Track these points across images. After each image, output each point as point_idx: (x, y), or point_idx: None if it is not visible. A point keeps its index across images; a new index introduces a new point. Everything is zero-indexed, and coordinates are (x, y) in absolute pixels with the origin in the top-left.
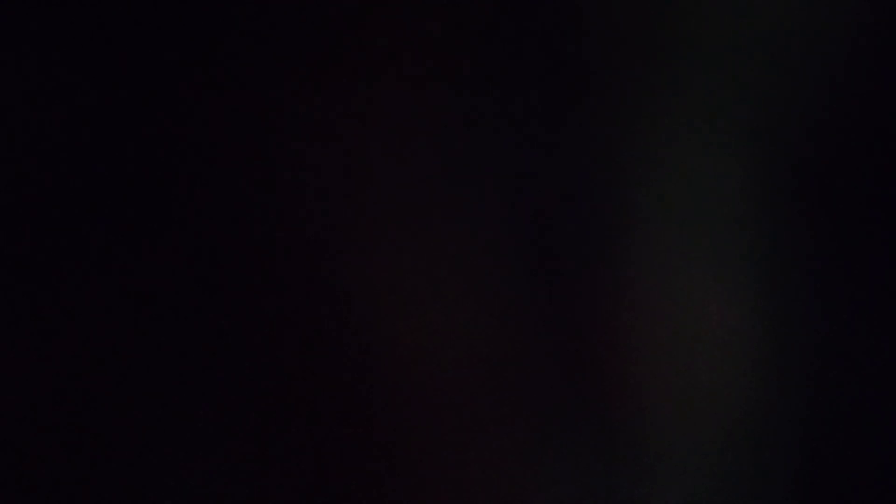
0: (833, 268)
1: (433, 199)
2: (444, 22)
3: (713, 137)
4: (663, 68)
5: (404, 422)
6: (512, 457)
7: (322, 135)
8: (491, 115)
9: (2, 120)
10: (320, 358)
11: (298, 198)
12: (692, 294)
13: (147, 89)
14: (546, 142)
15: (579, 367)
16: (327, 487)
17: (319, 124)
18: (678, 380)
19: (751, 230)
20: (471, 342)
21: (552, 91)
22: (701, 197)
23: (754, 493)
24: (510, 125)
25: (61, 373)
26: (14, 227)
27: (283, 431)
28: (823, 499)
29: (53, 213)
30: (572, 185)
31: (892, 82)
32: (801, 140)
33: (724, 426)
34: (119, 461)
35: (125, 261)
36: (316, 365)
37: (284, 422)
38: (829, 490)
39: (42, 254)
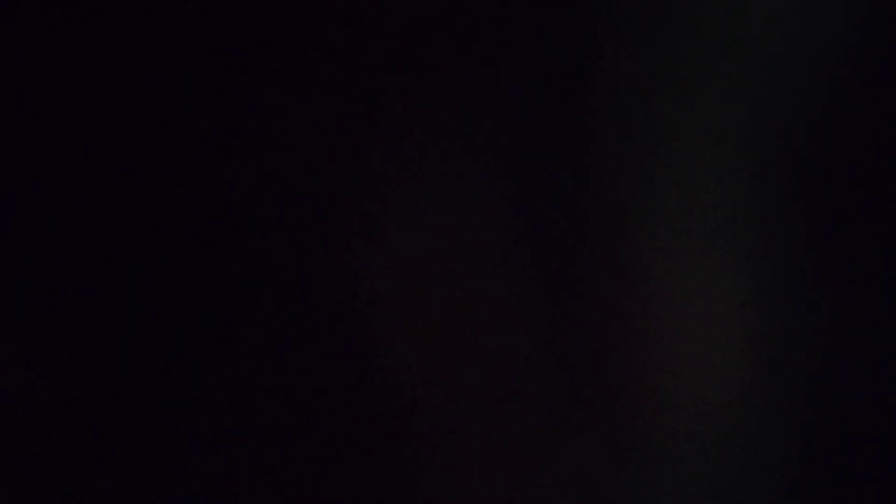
0: (834, 268)
1: (433, 198)
2: (444, 20)
3: (713, 137)
4: (663, 68)
5: (404, 422)
6: (511, 457)
7: (321, 134)
8: (491, 114)
9: (2, 120)
10: (319, 358)
11: (297, 197)
12: (693, 294)
13: (146, 89)
14: (546, 141)
15: (579, 367)
16: (327, 487)
17: (318, 123)
18: (679, 380)
19: (751, 230)
20: (471, 342)
21: (552, 90)
22: (701, 197)
23: (754, 493)
24: (510, 124)
25: (61, 372)
26: (13, 227)
27: (282, 431)
28: (823, 499)
29: (53, 212)
30: (572, 185)
31: (893, 82)
32: (800, 140)
33: (724, 426)
34: (119, 461)
35: (125, 260)
36: (315, 365)
37: (284, 422)
38: (829, 490)
39: (41, 253)
